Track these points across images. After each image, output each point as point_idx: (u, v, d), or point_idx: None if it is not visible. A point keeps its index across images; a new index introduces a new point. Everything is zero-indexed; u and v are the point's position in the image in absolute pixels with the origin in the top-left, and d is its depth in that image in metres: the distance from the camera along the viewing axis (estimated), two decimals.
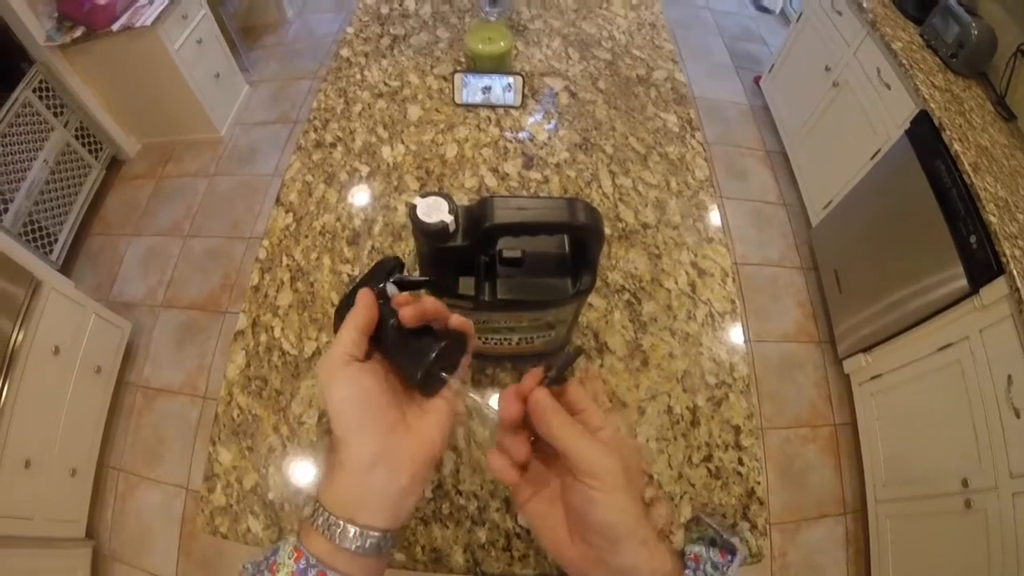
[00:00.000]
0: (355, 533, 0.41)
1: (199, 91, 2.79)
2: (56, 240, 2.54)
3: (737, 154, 2.90)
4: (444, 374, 0.48)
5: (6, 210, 2.29)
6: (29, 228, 2.40)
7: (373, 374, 0.44)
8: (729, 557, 0.44)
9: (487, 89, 1.23)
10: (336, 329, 0.46)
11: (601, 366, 0.94)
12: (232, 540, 0.84)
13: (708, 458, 0.87)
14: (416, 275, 0.53)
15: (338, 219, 1.09)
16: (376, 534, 0.41)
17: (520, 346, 0.83)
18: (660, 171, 1.17)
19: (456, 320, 0.49)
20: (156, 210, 2.81)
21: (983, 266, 1.60)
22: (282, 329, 0.97)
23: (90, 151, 2.77)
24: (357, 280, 0.48)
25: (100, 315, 2.12)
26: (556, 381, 0.45)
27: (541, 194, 1.12)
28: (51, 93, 2.52)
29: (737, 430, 0.89)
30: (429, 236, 0.56)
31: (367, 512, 0.42)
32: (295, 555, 0.40)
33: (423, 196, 0.56)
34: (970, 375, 1.63)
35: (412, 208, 0.55)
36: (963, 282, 1.66)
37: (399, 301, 0.47)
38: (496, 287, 0.63)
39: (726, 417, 0.90)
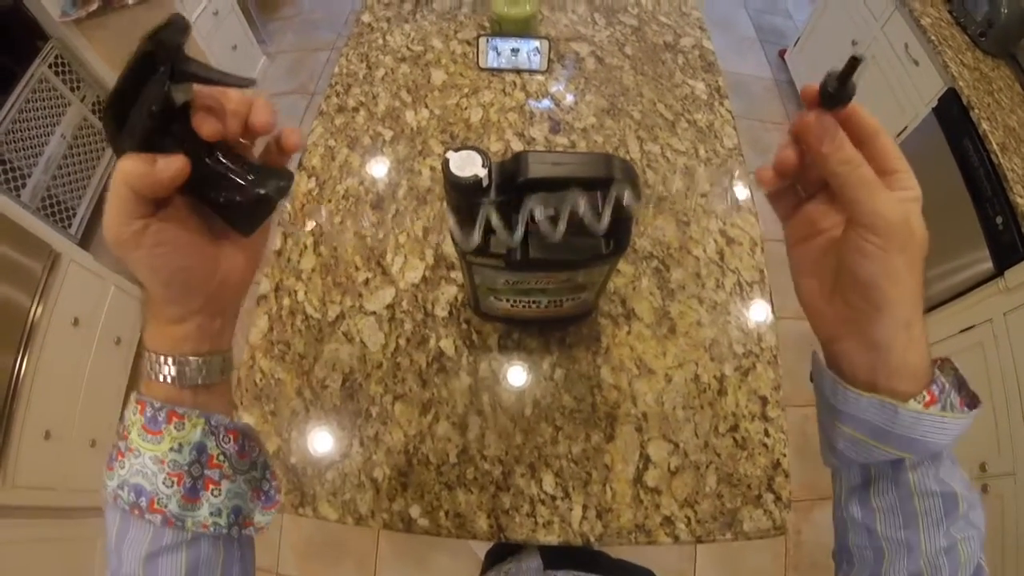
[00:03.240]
0: (178, 363, 0.38)
1: (216, 63, 2.73)
2: (75, 214, 2.54)
3: (762, 129, 2.83)
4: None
5: (24, 185, 2.29)
6: (48, 203, 2.39)
7: (174, 240, 0.36)
8: (966, 409, 0.39)
9: (514, 53, 1.20)
10: (111, 141, 0.34)
11: (629, 333, 0.92)
12: None
13: (734, 428, 0.87)
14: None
15: (361, 183, 1.08)
16: (195, 359, 0.38)
17: (548, 309, 0.82)
18: (688, 138, 1.14)
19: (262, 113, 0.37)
20: None
21: (1009, 248, 1.57)
22: (305, 293, 0.96)
23: None
24: (128, 67, 0.34)
25: (119, 286, 2.12)
26: (837, 100, 0.36)
27: None
28: (67, 68, 2.49)
29: (764, 401, 0.88)
30: (461, 191, 0.54)
31: (186, 342, 0.38)
32: (138, 408, 0.37)
33: (456, 150, 0.54)
34: (992, 358, 1.61)
35: (445, 162, 0.53)
36: (988, 264, 1.64)
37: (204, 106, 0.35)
38: (528, 246, 0.61)
39: (753, 387, 0.89)
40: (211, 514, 0.39)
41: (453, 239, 0.61)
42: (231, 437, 0.41)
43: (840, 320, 0.39)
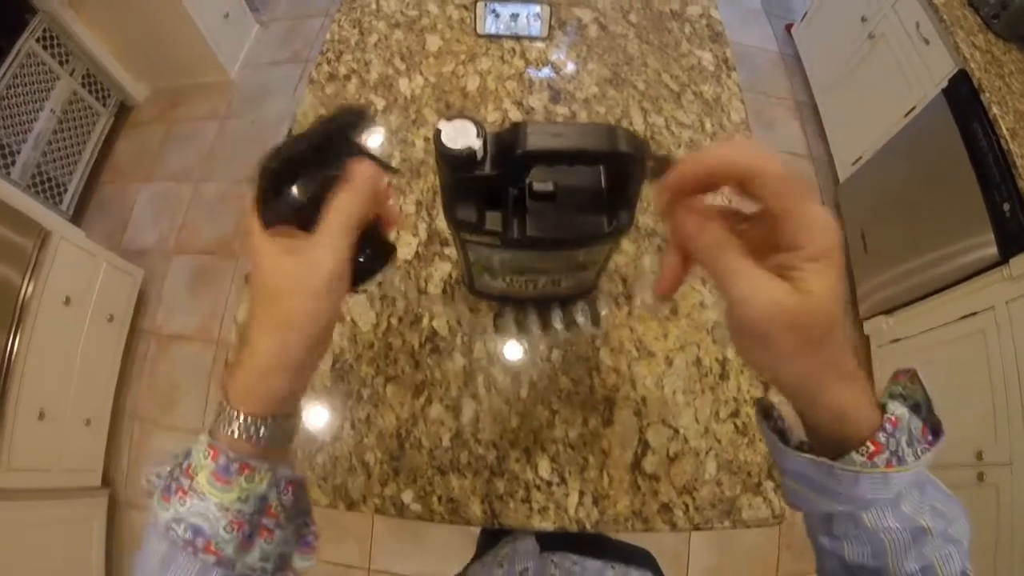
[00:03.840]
0: (265, 425, 0.39)
1: (207, 32, 2.69)
2: (66, 190, 2.50)
3: (766, 103, 2.78)
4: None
5: (14, 162, 2.25)
6: (38, 179, 2.36)
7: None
8: (931, 437, 0.37)
9: (513, 18, 1.15)
10: (260, 203, 0.39)
11: (629, 314, 0.89)
12: None
13: (735, 413, 0.84)
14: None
15: None
16: (278, 422, 0.40)
17: (545, 289, 0.78)
18: (694, 111, 1.09)
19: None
20: (166, 156, 2.75)
21: (1015, 235, 1.55)
22: None
23: (98, 98, 2.70)
24: (309, 132, 0.38)
25: (112, 263, 2.09)
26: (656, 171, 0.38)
27: None
28: (56, 42, 2.43)
29: (766, 386, 0.85)
30: (454, 164, 0.51)
31: (276, 405, 0.40)
32: (211, 453, 0.38)
33: (448, 119, 0.50)
34: (993, 346, 1.59)
35: (436, 132, 0.49)
36: (993, 250, 1.61)
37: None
38: (526, 223, 0.57)
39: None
40: (260, 559, 0.40)
41: (445, 214, 0.57)
42: (289, 489, 0.42)
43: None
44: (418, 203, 0.97)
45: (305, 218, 0.39)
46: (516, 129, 0.50)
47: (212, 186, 2.62)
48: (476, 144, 0.49)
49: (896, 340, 1.99)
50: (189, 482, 0.38)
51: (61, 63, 2.47)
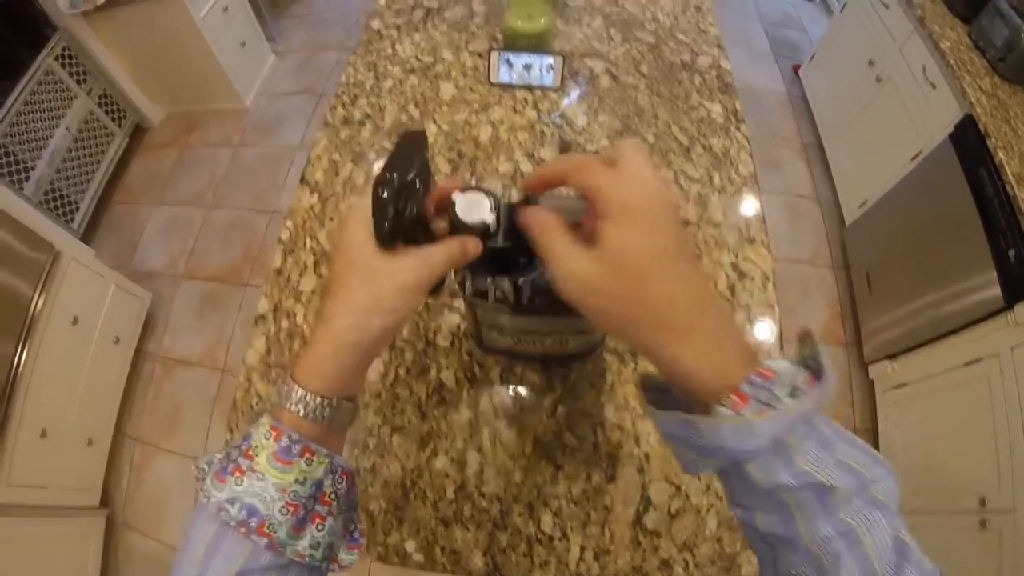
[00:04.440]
0: (328, 405, 0.41)
1: (224, 60, 2.74)
2: (78, 208, 2.53)
3: (772, 144, 2.80)
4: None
5: (28, 178, 2.28)
6: (50, 196, 2.39)
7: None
8: (816, 383, 0.35)
9: (526, 68, 1.17)
10: (380, 220, 0.41)
11: (635, 370, 0.89)
12: None
13: None
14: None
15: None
16: (341, 403, 0.42)
17: (552, 347, 0.79)
18: (703, 164, 1.11)
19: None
20: (179, 179, 2.78)
21: (1020, 281, 1.54)
22: (304, 316, 0.94)
23: (113, 119, 2.74)
24: (390, 168, 0.43)
25: (120, 285, 2.10)
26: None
27: None
28: (74, 60, 2.48)
29: None
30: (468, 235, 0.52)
31: (342, 386, 0.42)
32: (273, 435, 0.39)
33: (463, 191, 0.51)
34: (997, 393, 1.57)
35: (451, 204, 0.50)
36: (998, 296, 1.61)
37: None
38: (535, 290, 0.58)
39: None
40: (310, 546, 0.40)
41: (456, 280, 0.58)
42: (344, 478, 0.43)
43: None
44: None
45: (408, 233, 0.44)
46: (527, 203, 0.51)
47: (223, 213, 2.65)
48: (490, 219, 0.50)
49: (900, 385, 1.98)
50: (248, 463, 0.38)
51: (79, 82, 2.51)
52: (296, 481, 0.38)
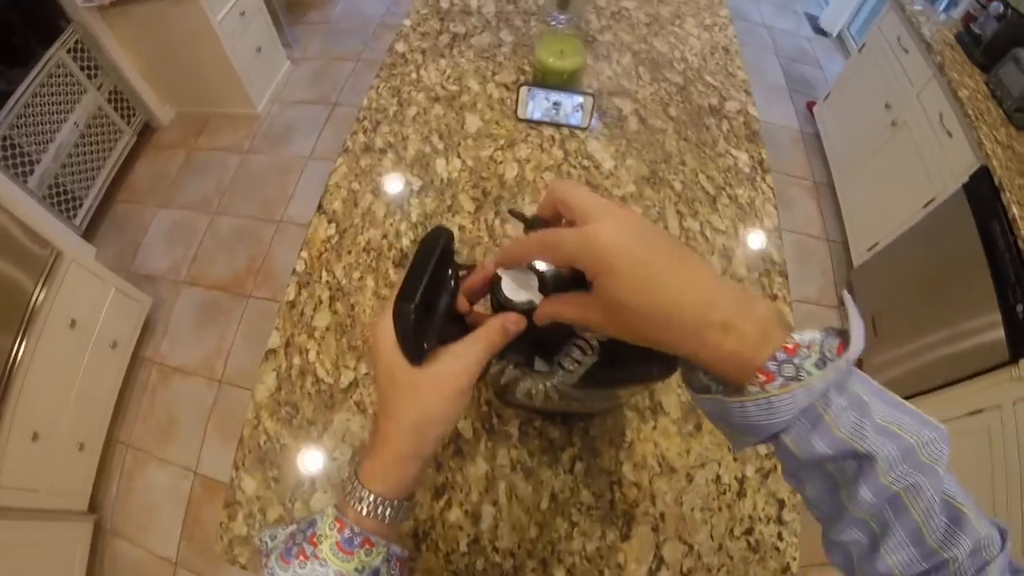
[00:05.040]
0: (391, 506, 0.44)
1: (239, 64, 2.72)
2: (81, 204, 2.49)
3: (784, 181, 2.79)
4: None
5: (32, 171, 2.25)
6: (54, 191, 2.36)
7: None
8: (845, 350, 0.34)
9: (555, 106, 1.15)
10: (405, 345, 0.44)
11: (654, 428, 0.87)
12: (251, 572, 0.79)
13: (749, 531, 0.83)
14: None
15: (384, 236, 1.03)
16: (402, 504, 0.45)
17: (574, 407, 0.77)
18: (729, 215, 1.09)
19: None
20: (185, 182, 2.76)
21: None
22: (317, 354, 0.91)
23: (122, 116, 2.72)
24: (408, 286, 0.44)
25: (120, 289, 2.07)
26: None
27: None
28: (86, 55, 2.46)
29: (781, 504, 0.85)
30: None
31: (403, 489, 0.45)
32: (337, 526, 0.42)
33: (507, 268, 0.49)
34: (997, 445, 1.58)
35: (496, 281, 0.48)
36: (1003, 349, 1.62)
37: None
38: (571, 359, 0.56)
39: (772, 490, 0.86)
40: None
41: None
42: (398, 565, 0.46)
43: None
44: None
45: (442, 330, 0.46)
46: (575, 274, 0.49)
47: (229, 220, 2.62)
48: (538, 299, 0.48)
49: None
50: (312, 548, 0.42)
51: (89, 76, 2.49)
52: (356, 570, 0.42)
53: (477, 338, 0.45)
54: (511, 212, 0.53)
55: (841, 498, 0.36)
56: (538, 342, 0.55)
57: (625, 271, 0.37)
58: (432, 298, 0.45)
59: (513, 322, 0.46)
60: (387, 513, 0.44)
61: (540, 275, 0.49)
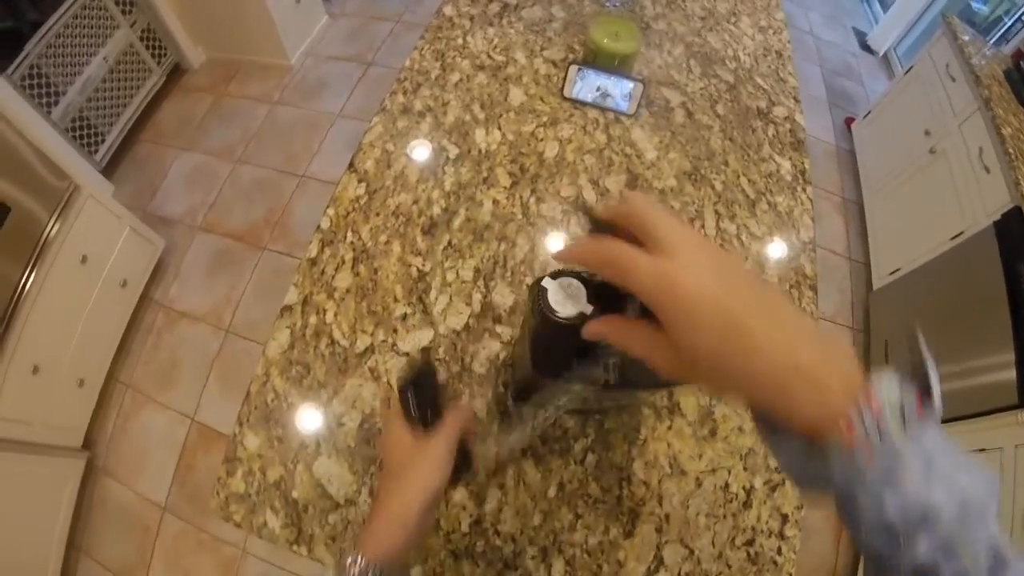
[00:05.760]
0: (370, 566, 0.50)
1: (276, 12, 2.67)
2: (103, 141, 2.47)
3: (814, 194, 2.74)
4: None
5: (56, 103, 2.22)
6: (77, 125, 2.33)
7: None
8: (925, 409, 0.34)
9: (604, 89, 1.12)
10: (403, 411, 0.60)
11: (669, 428, 0.85)
12: (245, 530, 0.78)
13: (750, 542, 0.82)
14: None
15: (415, 202, 1.00)
16: (396, 569, 0.52)
17: (592, 405, 0.75)
18: (767, 222, 1.06)
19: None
20: (211, 128, 2.72)
21: None
22: (335, 315, 0.89)
23: (153, 55, 2.68)
24: (406, 383, 0.61)
25: (135, 228, 2.05)
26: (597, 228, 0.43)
27: None
28: None
29: (784, 519, 0.84)
30: (562, 330, 0.46)
31: (398, 557, 0.53)
32: None
33: (553, 276, 0.45)
34: None
35: (541, 291, 0.45)
36: (1013, 392, 1.59)
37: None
38: (616, 368, 0.53)
39: (778, 504, 0.85)
40: None
41: (535, 367, 0.58)
42: None
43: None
44: (476, 270, 0.93)
45: (424, 419, 0.58)
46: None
47: (251, 170, 2.59)
48: (588, 310, 0.45)
49: None
50: None
51: (124, 12, 2.45)
52: None
53: (447, 426, 0.58)
54: (581, 207, 0.50)
55: (902, 552, 0.34)
56: (566, 352, 0.52)
57: (706, 324, 0.35)
58: (422, 390, 0.60)
59: (465, 411, 0.61)
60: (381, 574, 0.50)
61: (587, 284, 0.46)
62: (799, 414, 0.35)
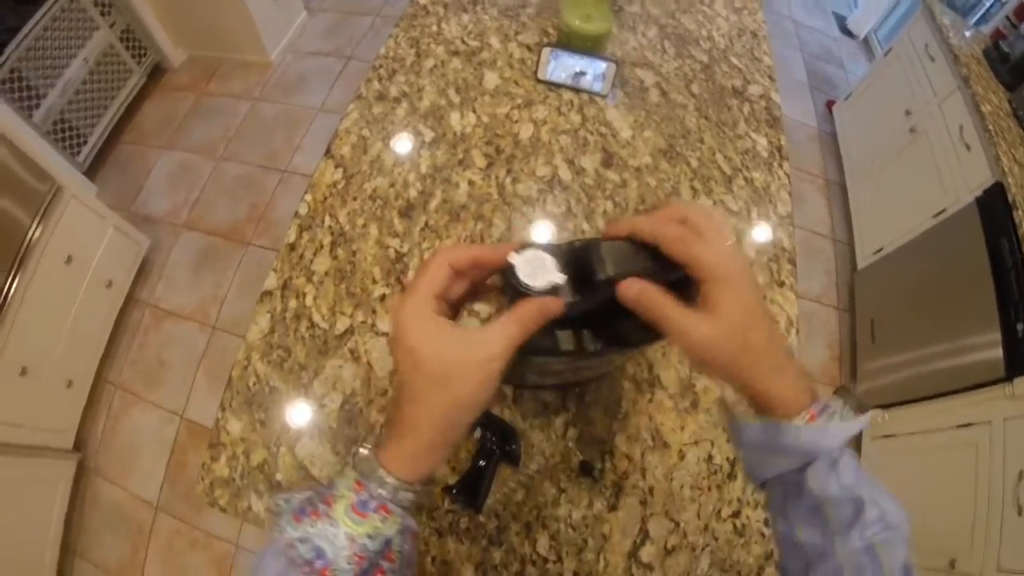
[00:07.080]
0: (412, 491, 0.42)
1: (255, 9, 2.66)
2: (85, 142, 2.46)
3: (796, 177, 2.76)
4: None
5: (38, 105, 2.21)
6: (59, 127, 2.32)
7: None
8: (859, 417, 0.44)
9: (577, 71, 1.12)
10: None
11: (650, 401, 0.86)
12: (230, 515, 0.78)
13: (736, 514, 0.83)
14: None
15: (392, 185, 1.01)
16: (424, 487, 0.43)
17: (568, 377, 0.76)
18: (743, 197, 1.07)
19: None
20: (192, 126, 2.71)
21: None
22: (314, 298, 0.89)
23: (133, 55, 2.66)
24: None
25: (119, 228, 2.04)
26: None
27: (616, 199, 1.03)
28: None
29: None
30: None
31: (427, 473, 0.44)
32: (356, 487, 0.41)
33: (518, 251, 0.44)
34: (983, 460, 1.58)
35: (508, 268, 0.44)
36: (999, 366, 1.61)
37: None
38: (595, 336, 0.52)
39: None
40: None
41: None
42: (411, 539, 0.44)
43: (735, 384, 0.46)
44: None
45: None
46: (589, 250, 0.45)
47: (233, 167, 2.58)
48: (560, 279, 0.44)
49: (889, 435, 1.97)
50: (326, 508, 0.40)
51: (103, 13, 2.43)
52: (367, 535, 0.40)
53: (510, 321, 0.42)
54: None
55: (833, 540, 0.41)
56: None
57: (746, 292, 0.43)
58: None
59: (552, 306, 0.44)
60: (408, 498, 0.42)
61: (558, 252, 0.45)
62: (784, 391, 0.43)
